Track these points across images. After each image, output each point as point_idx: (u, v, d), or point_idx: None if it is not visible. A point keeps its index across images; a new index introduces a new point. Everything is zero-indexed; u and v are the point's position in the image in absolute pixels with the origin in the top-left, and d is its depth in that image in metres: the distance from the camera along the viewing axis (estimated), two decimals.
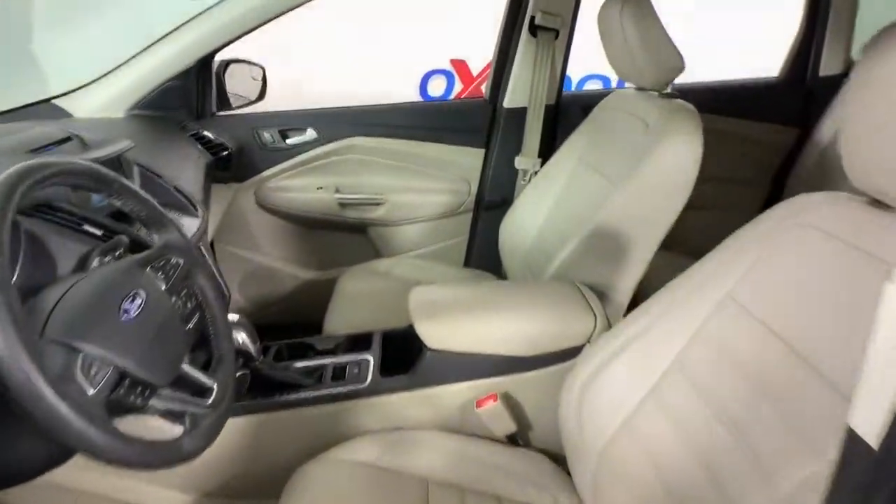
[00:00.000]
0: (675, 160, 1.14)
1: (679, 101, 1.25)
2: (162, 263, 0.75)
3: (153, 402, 0.64)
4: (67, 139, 1.09)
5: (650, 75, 1.25)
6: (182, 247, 0.79)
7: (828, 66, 1.77)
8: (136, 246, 0.81)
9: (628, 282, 1.22)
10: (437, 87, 3.90)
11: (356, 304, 1.46)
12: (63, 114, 1.40)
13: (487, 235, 1.79)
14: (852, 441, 0.34)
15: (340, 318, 1.40)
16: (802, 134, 1.82)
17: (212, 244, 1.80)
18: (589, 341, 1.03)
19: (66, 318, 0.58)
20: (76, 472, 0.96)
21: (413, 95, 3.87)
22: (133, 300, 0.65)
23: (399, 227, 1.82)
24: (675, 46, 1.23)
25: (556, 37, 1.61)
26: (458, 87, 3.92)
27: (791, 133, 1.84)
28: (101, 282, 0.65)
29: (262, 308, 1.88)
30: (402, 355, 1.06)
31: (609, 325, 1.04)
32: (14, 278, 0.63)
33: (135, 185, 0.77)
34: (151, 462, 0.58)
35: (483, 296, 1.17)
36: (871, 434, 0.33)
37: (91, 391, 0.55)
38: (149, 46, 1.46)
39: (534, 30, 1.60)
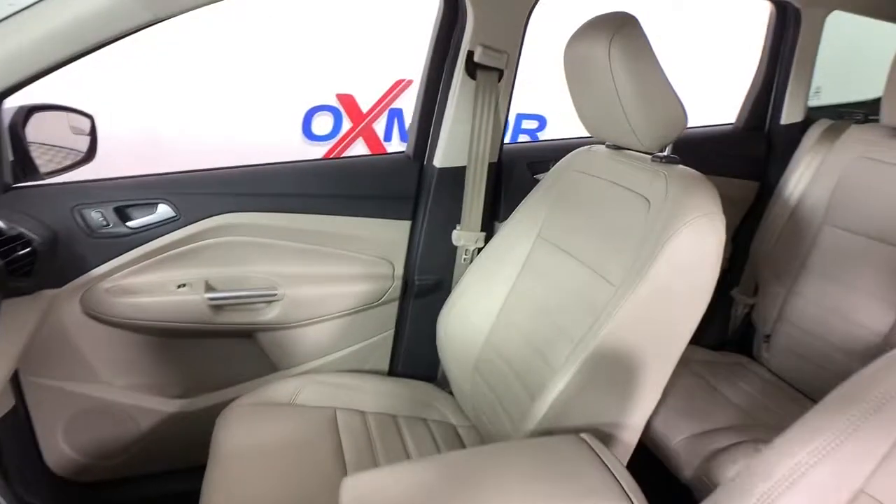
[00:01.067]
0: (699, 250, 0.83)
1: (683, 167, 0.95)
2: None
3: None
4: None
5: (647, 135, 0.93)
6: None
7: (789, 114, 1.58)
8: None
9: (639, 418, 0.88)
10: (322, 126, 3.46)
11: (248, 469, 0.98)
12: None
13: (420, 331, 1.38)
14: None
15: (222, 498, 0.92)
16: (762, 187, 1.62)
17: (16, 378, 1.21)
18: None
19: None
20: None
21: (295, 136, 3.40)
22: None
23: (299, 330, 1.34)
24: (677, 96, 0.92)
25: (500, 78, 1.26)
26: (346, 125, 3.51)
27: (751, 187, 1.63)
28: None
29: (104, 458, 1.30)
30: None
31: None
32: None
33: None
34: None
35: (458, 478, 0.75)
36: None
37: None
38: None
39: (472, 69, 1.23)
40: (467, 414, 1.22)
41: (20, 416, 1.22)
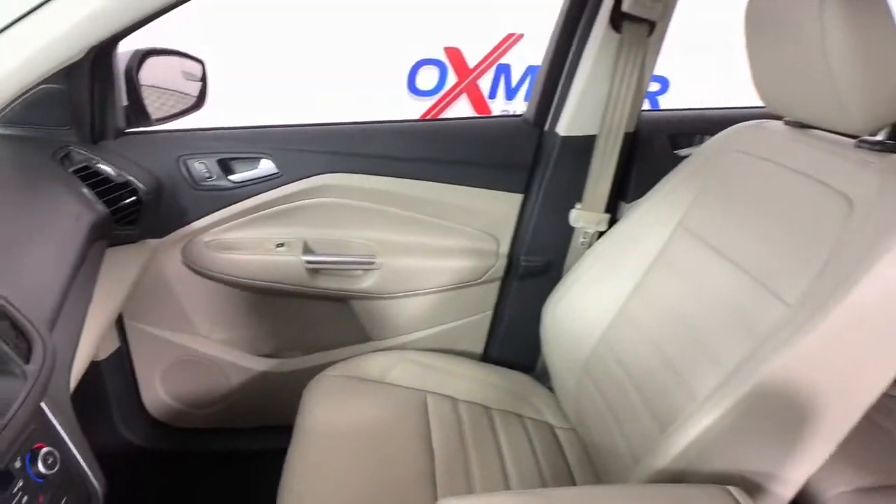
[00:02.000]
0: None
1: None
2: None
3: None
4: None
5: (861, 110, 0.70)
6: None
7: None
8: None
9: (802, 473, 0.71)
10: (426, 80, 3.34)
11: (330, 447, 0.93)
12: None
13: (522, 316, 1.25)
14: None
15: (306, 486, 0.86)
16: None
17: (120, 322, 1.22)
18: None
19: None
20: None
21: (401, 90, 3.31)
22: None
23: (394, 302, 1.26)
24: None
25: (650, 31, 1.06)
26: (451, 80, 3.37)
27: None
28: None
29: (196, 408, 1.31)
30: None
31: None
32: None
33: None
34: None
35: None
36: None
37: None
38: (4, 28, 0.87)
39: (617, 21, 1.05)
40: (567, 414, 1.09)
41: (123, 358, 1.25)
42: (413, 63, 3.31)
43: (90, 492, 0.68)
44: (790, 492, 0.72)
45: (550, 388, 1.16)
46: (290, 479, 0.88)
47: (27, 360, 0.57)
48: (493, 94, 3.46)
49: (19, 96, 0.90)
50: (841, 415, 0.66)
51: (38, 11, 0.85)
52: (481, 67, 3.38)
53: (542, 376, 1.22)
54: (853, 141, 0.76)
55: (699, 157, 0.97)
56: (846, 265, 0.64)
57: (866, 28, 0.67)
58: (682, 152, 1.18)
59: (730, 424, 0.67)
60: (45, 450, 0.61)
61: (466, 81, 3.42)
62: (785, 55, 0.76)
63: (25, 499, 0.57)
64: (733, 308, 0.77)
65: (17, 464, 0.58)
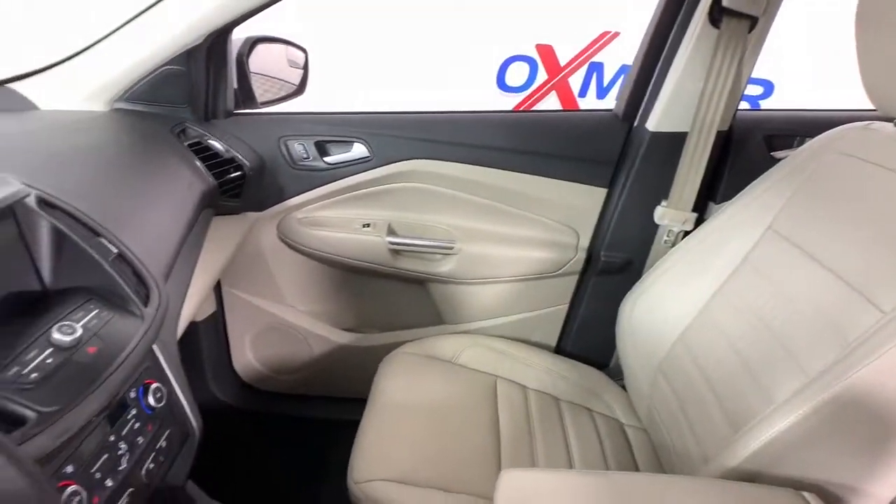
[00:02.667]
0: None
1: None
2: None
3: None
4: None
5: None
6: None
7: None
8: None
9: (890, 489, 0.66)
10: (516, 77, 3.34)
11: (401, 422, 0.97)
12: (22, 102, 0.97)
13: (598, 312, 1.24)
14: None
15: (375, 454, 0.91)
16: None
17: (219, 287, 1.33)
18: None
19: None
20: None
21: (490, 86, 3.33)
22: None
23: (471, 288, 1.29)
24: None
25: (751, 28, 1.02)
26: (541, 77, 3.35)
27: None
28: None
29: (280, 373, 1.41)
30: None
31: None
32: None
33: None
34: None
35: None
36: None
37: None
38: (136, 15, 0.98)
39: (716, 15, 1.02)
40: (639, 413, 1.08)
41: (218, 322, 1.36)
42: (504, 59, 3.32)
43: (189, 430, 0.76)
44: None
45: (623, 387, 1.15)
46: (363, 446, 0.93)
47: (145, 304, 0.64)
48: (583, 93, 3.41)
49: (143, 77, 1.01)
50: None
51: (161, 3, 0.95)
52: (572, 65, 3.34)
53: (616, 374, 1.21)
54: None
55: (797, 157, 0.92)
56: None
57: None
58: (778, 154, 1.12)
59: (808, 430, 0.65)
60: (154, 385, 0.69)
61: (556, 79, 3.40)
62: None
63: (137, 425, 0.65)
64: (824, 313, 0.74)
65: (132, 394, 0.66)
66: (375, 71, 3.08)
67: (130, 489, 0.61)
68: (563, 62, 3.34)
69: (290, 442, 1.40)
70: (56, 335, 0.54)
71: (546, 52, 3.33)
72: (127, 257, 0.67)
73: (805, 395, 0.66)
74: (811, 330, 0.75)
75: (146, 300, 0.65)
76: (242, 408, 1.41)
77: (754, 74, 1.10)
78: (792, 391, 0.69)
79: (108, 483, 0.58)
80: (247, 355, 1.40)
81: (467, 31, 3.11)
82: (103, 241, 0.65)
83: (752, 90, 3.08)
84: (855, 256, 0.75)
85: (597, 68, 3.31)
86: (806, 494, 0.60)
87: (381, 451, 0.92)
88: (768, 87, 3.07)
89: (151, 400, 0.67)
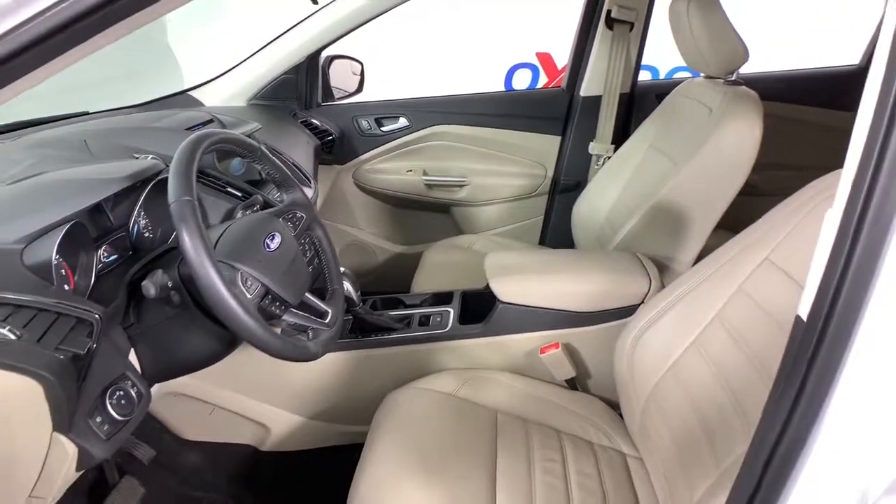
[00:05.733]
0: (735, 141, 1.22)
1: (742, 87, 1.32)
2: (290, 216, 0.95)
3: (286, 316, 0.84)
4: (210, 121, 1.34)
5: (715, 64, 1.33)
6: (305, 204, 1.00)
7: None
8: (266, 205, 1.03)
9: (687, 255, 1.31)
10: (521, 82, 4.00)
11: (439, 271, 1.64)
12: (196, 103, 1.68)
13: (561, 216, 1.91)
14: (797, 325, 0.47)
15: (425, 282, 1.59)
16: None
17: None
18: (643, 302, 1.14)
19: (228, 247, 0.79)
20: (214, 389, 1.17)
21: (499, 87, 3.99)
22: (273, 239, 0.85)
23: (480, 208, 1.98)
24: (738, 37, 1.30)
25: (631, 29, 1.71)
26: (542, 80, 4.00)
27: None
28: (249, 224, 0.86)
29: (358, 277, 2.10)
30: (478, 309, 1.23)
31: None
32: None
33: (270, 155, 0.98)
34: (288, 353, 0.78)
35: (551, 259, 1.32)
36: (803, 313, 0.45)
37: (249, 296, 0.76)
38: (267, 44, 1.72)
39: (610, 22, 1.71)
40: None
41: None
42: (510, 66, 3.99)
43: None
44: (684, 269, 1.33)
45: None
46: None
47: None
48: None
49: (269, 82, 1.73)
50: (703, 220, 1.28)
51: (287, 34, 1.68)
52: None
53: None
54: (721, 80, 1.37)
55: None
56: (703, 133, 1.26)
57: (711, 16, 1.28)
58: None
59: (644, 226, 1.31)
60: None
61: (555, 81, 4.06)
62: (684, 36, 1.39)
63: None
64: (649, 173, 1.41)
65: None
66: (409, 79, 3.79)
67: None
68: (560, 66, 4.00)
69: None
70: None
71: (545, 58, 3.99)
72: (296, 164, 1.38)
73: (643, 205, 1.33)
74: (644, 181, 1.40)
75: (310, 182, 1.36)
76: None
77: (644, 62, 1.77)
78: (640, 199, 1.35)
79: None
80: None
81: (479, 45, 3.80)
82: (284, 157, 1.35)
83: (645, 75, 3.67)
84: (673, 144, 1.41)
85: None
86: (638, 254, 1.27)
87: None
88: (654, 73, 3.69)
89: None
